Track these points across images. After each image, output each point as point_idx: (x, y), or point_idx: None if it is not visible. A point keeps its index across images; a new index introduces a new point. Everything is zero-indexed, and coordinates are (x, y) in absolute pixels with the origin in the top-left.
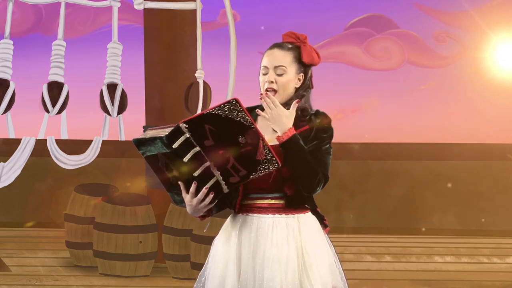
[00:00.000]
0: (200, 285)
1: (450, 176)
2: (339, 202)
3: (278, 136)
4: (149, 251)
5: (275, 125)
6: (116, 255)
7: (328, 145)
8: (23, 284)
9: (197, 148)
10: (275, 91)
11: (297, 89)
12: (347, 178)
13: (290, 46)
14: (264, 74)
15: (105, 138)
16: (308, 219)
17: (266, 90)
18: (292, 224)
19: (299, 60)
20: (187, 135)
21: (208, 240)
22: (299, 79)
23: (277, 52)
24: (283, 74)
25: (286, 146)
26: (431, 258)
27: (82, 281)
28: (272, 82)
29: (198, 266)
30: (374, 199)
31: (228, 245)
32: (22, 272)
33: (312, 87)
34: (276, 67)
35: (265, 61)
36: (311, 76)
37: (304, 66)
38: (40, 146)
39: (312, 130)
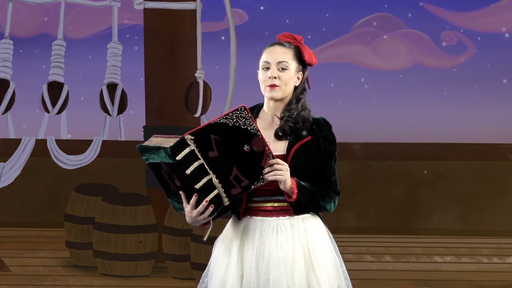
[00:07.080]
0: (204, 286)
1: (450, 176)
2: (339, 202)
3: (288, 198)
4: (149, 251)
5: (284, 182)
6: (116, 255)
7: (335, 158)
8: (23, 284)
9: (201, 161)
10: (277, 86)
11: (295, 88)
12: (347, 178)
13: (288, 44)
14: (265, 71)
15: (105, 138)
16: (313, 219)
17: (269, 86)
18: (298, 225)
19: (298, 59)
20: (192, 147)
21: (208, 240)
22: (298, 78)
23: (278, 49)
24: (286, 70)
25: (298, 201)
26: (431, 258)
27: (82, 281)
28: (275, 77)
29: (198, 266)
30: (374, 199)
31: (230, 246)
32: (22, 272)
33: (309, 88)
34: (278, 63)
35: (266, 57)
36: (307, 77)
37: (303, 66)
38: (40, 146)
39: (316, 141)
